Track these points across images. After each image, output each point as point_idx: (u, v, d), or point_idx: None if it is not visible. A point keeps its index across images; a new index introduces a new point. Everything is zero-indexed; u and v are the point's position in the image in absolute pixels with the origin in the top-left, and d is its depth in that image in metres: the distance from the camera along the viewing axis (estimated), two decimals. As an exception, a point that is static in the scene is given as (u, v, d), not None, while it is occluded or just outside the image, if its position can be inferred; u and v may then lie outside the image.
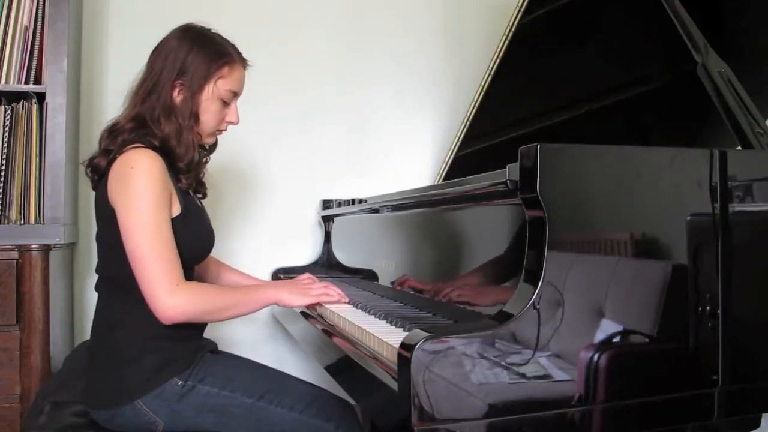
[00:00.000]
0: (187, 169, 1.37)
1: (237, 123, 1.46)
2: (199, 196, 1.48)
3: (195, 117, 1.38)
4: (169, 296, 1.22)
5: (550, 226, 0.95)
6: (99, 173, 1.34)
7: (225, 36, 1.45)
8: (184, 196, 1.36)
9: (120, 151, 1.29)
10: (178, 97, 1.37)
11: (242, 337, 2.28)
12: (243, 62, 1.44)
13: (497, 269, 1.18)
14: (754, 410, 1.08)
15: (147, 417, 1.25)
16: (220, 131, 1.47)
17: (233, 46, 1.44)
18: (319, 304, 1.48)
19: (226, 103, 1.43)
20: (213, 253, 1.55)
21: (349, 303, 1.51)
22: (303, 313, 1.60)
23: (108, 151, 1.32)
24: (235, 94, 1.44)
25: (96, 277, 1.38)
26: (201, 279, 1.66)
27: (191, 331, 1.35)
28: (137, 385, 1.25)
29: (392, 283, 1.59)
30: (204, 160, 1.47)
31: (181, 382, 1.26)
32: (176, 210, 1.32)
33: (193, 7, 2.20)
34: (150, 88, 1.36)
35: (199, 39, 1.39)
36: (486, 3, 2.47)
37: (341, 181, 2.37)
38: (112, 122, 1.38)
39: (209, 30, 1.43)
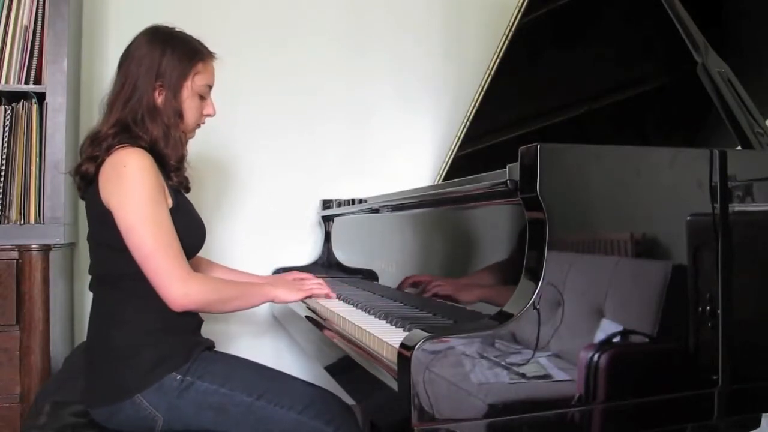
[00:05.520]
0: (177, 167, 1.39)
1: (214, 115, 1.50)
2: (183, 191, 1.49)
3: (179, 115, 1.41)
4: (183, 285, 1.26)
5: (550, 226, 0.95)
6: (87, 180, 1.35)
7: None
8: (174, 191, 1.38)
9: (107, 153, 1.30)
10: (159, 98, 1.39)
11: (242, 336, 2.29)
12: (211, 55, 1.47)
13: (497, 269, 1.18)
14: (754, 410, 1.08)
15: (147, 412, 1.25)
16: (199, 125, 1.51)
17: (199, 42, 1.47)
18: (311, 296, 1.55)
19: (202, 98, 1.46)
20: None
21: (348, 303, 1.53)
22: (305, 315, 1.60)
23: (94, 157, 1.33)
24: (210, 87, 1.48)
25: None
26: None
27: (188, 327, 1.36)
28: (136, 380, 1.26)
29: (397, 287, 1.60)
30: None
31: (179, 377, 1.27)
32: (168, 204, 1.33)
33: (193, 7, 2.20)
34: (129, 93, 1.37)
35: (170, 40, 1.42)
36: (486, 3, 2.47)
37: (341, 181, 2.37)
38: (92, 131, 1.38)
39: (174, 29, 1.45)
